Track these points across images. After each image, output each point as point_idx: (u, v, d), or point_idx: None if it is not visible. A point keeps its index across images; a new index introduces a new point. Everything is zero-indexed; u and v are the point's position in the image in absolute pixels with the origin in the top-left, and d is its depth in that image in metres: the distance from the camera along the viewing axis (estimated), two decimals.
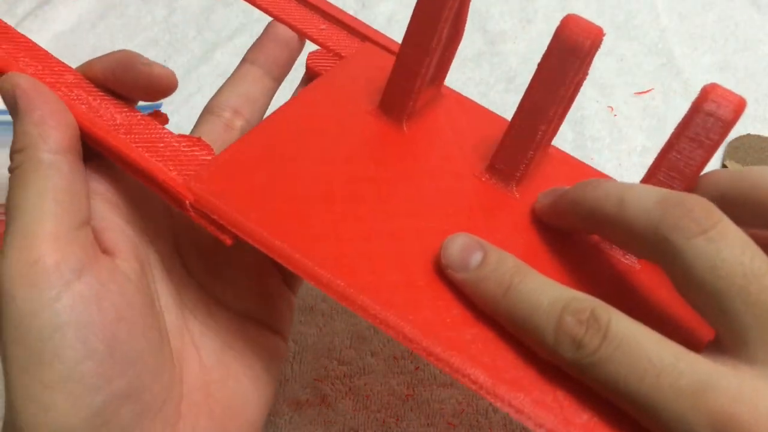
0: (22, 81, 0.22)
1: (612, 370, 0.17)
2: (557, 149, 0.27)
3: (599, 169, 0.27)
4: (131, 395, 0.20)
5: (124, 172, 0.24)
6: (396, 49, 0.26)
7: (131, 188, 0.24)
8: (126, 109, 0.24)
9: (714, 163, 0.43)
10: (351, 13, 0.50)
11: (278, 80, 0.30)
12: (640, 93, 0.47)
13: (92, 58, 0.25)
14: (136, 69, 0.23)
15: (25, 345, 0.19)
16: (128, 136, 0.23)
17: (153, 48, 0.51)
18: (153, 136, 0.24)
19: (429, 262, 0.22)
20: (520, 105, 0.23)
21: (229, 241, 0.22)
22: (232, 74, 0.29)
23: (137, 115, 0.24)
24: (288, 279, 0.29)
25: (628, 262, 0.23)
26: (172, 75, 0.24)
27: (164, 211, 0.26)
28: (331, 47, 0.30)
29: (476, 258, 0.21)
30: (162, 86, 0.24)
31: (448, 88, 0.28)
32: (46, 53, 0.25)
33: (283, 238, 0.21)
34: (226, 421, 0.23)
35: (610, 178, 0.25)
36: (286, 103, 0.26)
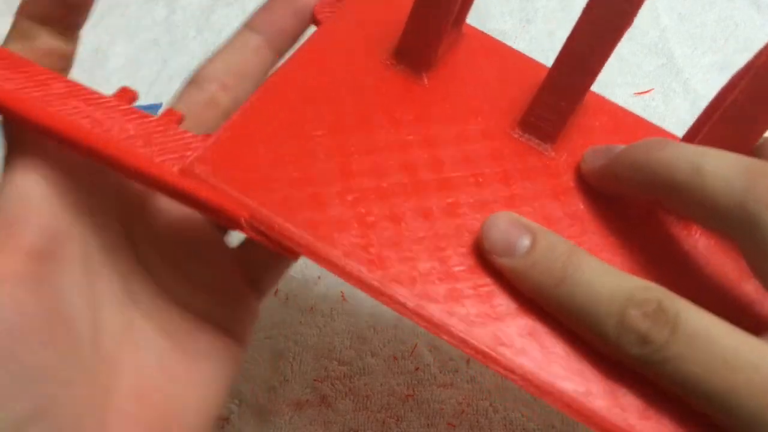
0: None
1: (682, 366, 0.16)
2: (597, 95, 0.24)
3: None
4: (38, 415, 0.17)
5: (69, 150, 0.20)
6: None
7: (74, 168, 0.21)
8: (135, 114, 0.21)
9: None
10: None
11: (280, 54, 0.27)
12: (640, 93, 0.47)
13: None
14: None
15: None
16: (149, 149, 0.20)
17: (153, 48, 0.51)
18: (178, 143, 0.20)
19: (466, 243, 0.20)
20: (561, 53, 0.21)
21: (296, 257, 0.20)
22: (229, 40, 0.26)
23: (150, 120, 0.21)
24: (257, 281, 0.26)
25: (684, 228, 0.21)
26: None
27: (115, 197, 0.23)
28: None
29: (523, 243, 0.19)
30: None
31: (469, 26, 0.25)
32: (27, 62, 0.21)
33: (307, 230, 0.19)
34: (161, 430, 0.21)
35: (668, 134, 0.23)
36: (286, 61, 0.23)
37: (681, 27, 0.50)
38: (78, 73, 0.56)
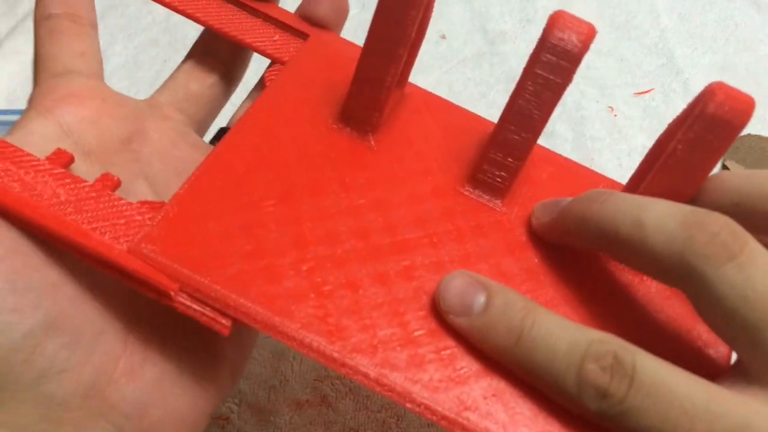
0: None
1: (642, 419, 0.16)
2: (543, 148, 0.24)
3: (599, 170, 0.27)
4: (53, 327, 0.18)
5: None
6: (343, 45, 0.24)
7: None
8: (68, 179, 0.20)
9: None
10: (351, 13, 0.50)
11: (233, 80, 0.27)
12: (640, 93, 0.47)
13: None
14: None
15: None
16: (79, 216, 0.19)
17: (153, 48, 0.51)
18: (110, 211, 0.19)
19: (425, 306, 0.20)
20: (505, 111, 0.21)
21: (227, 331, 0.19)
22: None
23: (84, 185, 0.20)
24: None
25: (636, 274, 0.21)
26: None
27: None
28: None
29: (479, 301, 0.19)
30: None
31: (412, 85, 0.25)
32: None
33: (263, 304, 0.19)
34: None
35: (611, 181, 0.24)
36: (232, 130, 0.22)
37: (681, 27, 0.50)
38: None
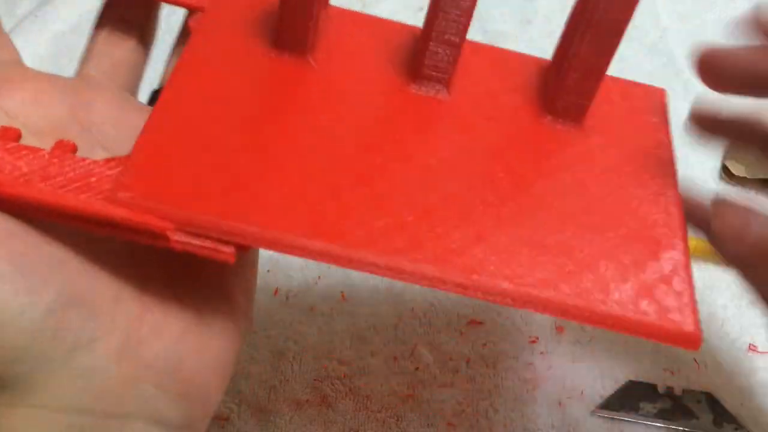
0: None
1: None
2: (473, 43, 0.26)
3: None
4: (69, 300, 0.18)
5: None
6: None
7: None
8: (24, 150, 0.19)
9: (713, 163, 0.43)
10: None
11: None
12: None
13: None
14: None
15: None
16: (48, 182, 0.19)
17: (153, 48, 0.51)
18: (78, 172, 0.19)
19: (406, 195, 0.20)
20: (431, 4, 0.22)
21: (232, 258, 0.19)
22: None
23: (42, 153, 0.19)
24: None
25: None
26: None
27: None
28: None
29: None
30: None
31: (334, 7, 0.26)
32: None
33: (260, 223, 0.19)
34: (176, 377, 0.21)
35: (543, 60, 0.26)
36: (174, 74, 0.22)
37: (681, 27, 0.50)
38: None
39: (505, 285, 0.19)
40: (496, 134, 0.23)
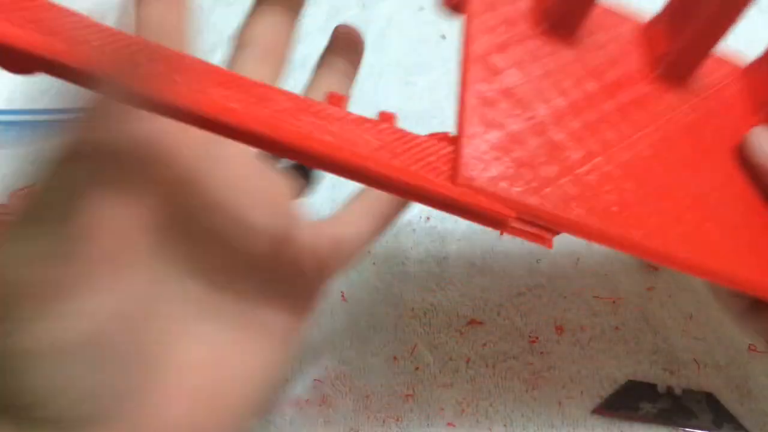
0: None
1: None
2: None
3: None
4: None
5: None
6: None
7: None
8: (367, 123, 0.21)
9: None
10: (351, 13, 0.50)
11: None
12: None
13: None
14: None
15: None
16: (398, 160, 0.20)
17: None
18: (417, 150, 0.20)
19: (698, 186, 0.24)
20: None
21: (551, 244, 0.21)
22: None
23: (382, 128, 0.21)
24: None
25: None
26: None
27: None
28: None
29: None
30: None
31: None
32: (228, 72, 0.21)
33: (586, 218, 0.21)
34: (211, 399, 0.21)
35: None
36: (470, 56, 0.24)
37: None
38: None
39: None
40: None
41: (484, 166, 0.21)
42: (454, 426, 0.33)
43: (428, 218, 0.40)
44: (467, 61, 0.23)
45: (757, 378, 0.33)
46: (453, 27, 0.50)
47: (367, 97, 0.44)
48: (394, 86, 0.46)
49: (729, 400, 0.33)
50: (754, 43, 0.51)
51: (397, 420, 0.33)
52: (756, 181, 0.25)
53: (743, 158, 0.26)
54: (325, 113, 0.20)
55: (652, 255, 0.22)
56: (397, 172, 0.19)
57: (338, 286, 0.38)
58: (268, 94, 0.20)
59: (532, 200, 0.21)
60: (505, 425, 0.33)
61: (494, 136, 0.22)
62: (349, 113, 0.21)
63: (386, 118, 0.21)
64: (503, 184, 0.21)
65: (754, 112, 0.28)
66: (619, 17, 0.27)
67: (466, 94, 0.22)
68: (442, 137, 0.21)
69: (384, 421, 0.33)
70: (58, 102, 0.49)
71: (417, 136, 0.21)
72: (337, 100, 0.22)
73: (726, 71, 0.28)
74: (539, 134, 0.22)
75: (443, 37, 0.49)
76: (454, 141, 0.21)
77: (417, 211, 0.40)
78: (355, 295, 0.37)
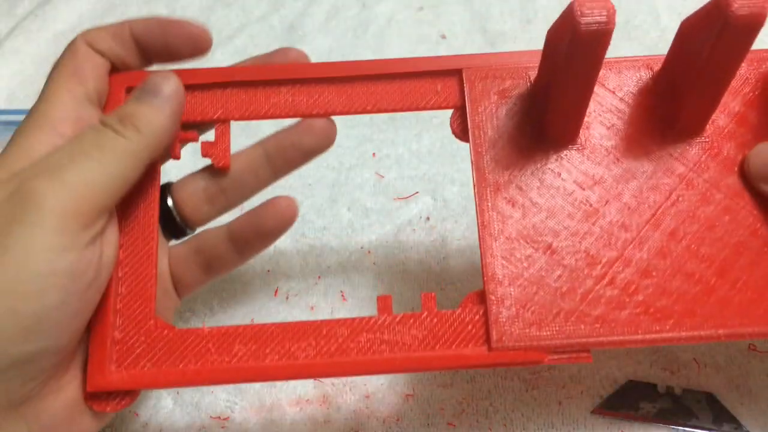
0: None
1: None
2: None
3: None
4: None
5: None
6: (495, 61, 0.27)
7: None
8: (411, 320, 0.25)
9: None
10: (351, 13, 0.50)
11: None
12: None
13: (127, 20, 0.26)
14: (174, 24, 0.26)
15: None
16: (441, 344, 0.24)
17: None
18: (451, 329, 0.25)
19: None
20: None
21: (590, 359, 0.24)
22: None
23: (421, 318, 0.25)
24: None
25: None
26: (208, 31, 0.26)
27: None
28: None
29: None
30: (200, 42, 0.26)
31: None
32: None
33: (602, 331, 0.24)
34: None
35: None
36: (480, 199, 0.26)
37: None
38: None
39: None
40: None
41: (512, 321, 0.24)
42: (454, 426, 0.33)
43: (428, 218, 0.40)
44: (483, 206, 0.26)
45: (757, 378, 0.33)
46: (453, 27, 0.50)
47: None
48: None
49: (729, 400, 0.33)
50: (753, 44, 0.51)
51: (397, 420, 0.33)
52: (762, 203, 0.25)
53: (750, 181, 0.26)
54: (377, 325, 0.25)
55: (685, 340, 0.24)
56: (439, 360, 0.24)
57: (338, 286, 0.38)
58: (329, 329, 0.25)
59: (560, 338, 0.24)
60: (505, 425, 0.33)
61: (517, 284, 0.24)
62: (395, 315, 0.25)
63: (427, 299, 0.25)
64: (532, 331, 0.24)
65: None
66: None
67: (485, 247, 0.25)
68: (474, 300, 0.25)
69: (384, 421, 0.33)
70: None
71: (452, 313, 0.24)
72: (385, 302, 0.25)
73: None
74: (557, 265, 0.25)
75: (443, 37, 0.49)
76: (482, 299, 0.25)
77: (417, 211, 0.40)
78: (355, 295, 0.37)
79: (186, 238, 0.30)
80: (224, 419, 0.34)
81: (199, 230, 0.31)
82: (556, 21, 0.23)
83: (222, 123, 0.28)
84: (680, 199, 0.25)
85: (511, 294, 0.24)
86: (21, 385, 0.21)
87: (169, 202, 0.29)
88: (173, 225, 0.29)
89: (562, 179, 0.26)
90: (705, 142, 0.26)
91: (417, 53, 0.49)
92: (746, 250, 0.25)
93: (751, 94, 0.27)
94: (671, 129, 0.26)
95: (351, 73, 0.27)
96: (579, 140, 0.26)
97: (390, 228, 0.40)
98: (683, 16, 0.25)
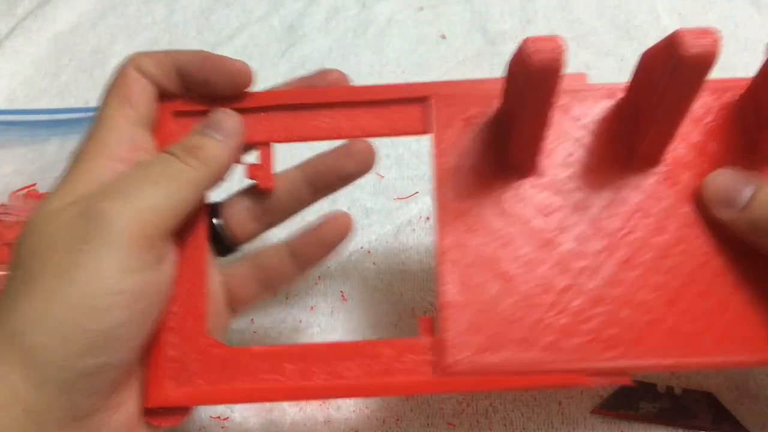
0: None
1: None
2: None
3: None
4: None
5: None
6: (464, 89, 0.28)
7: None
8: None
9: None
10: (351, 13, 0.50)
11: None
12: None
13: (172, 51, 0.27)
14: (216, 61, 0.26)
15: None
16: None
17: (153, 48, 0.51)
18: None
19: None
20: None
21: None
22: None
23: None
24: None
25: None
26: (249, 68, 0.27)
27: None
28: None
29: (745, 194, 0.23)
30: (240, 79, 0.27)
31: None
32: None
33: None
34: None
35: None
36: (439, 222, 0.26)
37: (681, 27, 0.50)
38: (78, 73, 0.56)
39: None
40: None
41: (464, 347, 0.24)
42: (454, 426, 0.33)
43: (428, 218, 0.40)
44: (442, 233, 0.26)
45: (757, 378, 0.33)
46: (453, 27, 0.50)
47: None
48: None
49: (729, 400, 0.33)
50: (753, 44, 0.51)
51: (397, 420, 0.33)
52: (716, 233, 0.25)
53: (705, 209, 0.25)
54: (419, 346, 0.25)
55: (632, 369, 0.24)
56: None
57: (338, 286, 0.38)
58: (375, 350, 0.25)
59: (510, 365, 0.24)
60: (504, 425, 0.33)
61: (472, 310, 0.25)
62: (436, 336, 0.25)
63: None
64: (484, 357, 0.24)
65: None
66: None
67: (442, 272, 0.25)
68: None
69: (384, 421, 0.33)
70: (58, 102, 0.50)
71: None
72: (427, 323, 0.25)
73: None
74: (511, 292, 0.25)
75: (443, 37, 0.49)
76: (435, 325, 0.25)
77: (417, 211, 0.40)
78: (355, 295, 0.37)
79: (234, 255, 0.31)
80: (224, 419, 0.34)
81: (246, 246, 0.32)
82: (514, 53, 0.24)
83: (265, 145, 0.28)
84: (635, 228, 0.25)
85: (465, 320, 0.25)
86: (85, 399, 0.22)
87: (216, 221, 0.30)
88: (221, 243, 0.30)
89: (520, 207, 0.26)
90: (662, 172, 0.26)
91: (417, 53, 0.49)
92: (697, 280, 0.25)
93: (712, 123, 0.27)
94: (630, 158, 0.26)
95: (364, 97, 0.28)
96: (539, 169, 0.26)
97: (390, 228, 0.40)
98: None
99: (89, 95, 0.48)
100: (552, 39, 0.21)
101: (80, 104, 0.47)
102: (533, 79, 0.22)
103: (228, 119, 0.27)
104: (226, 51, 0.51)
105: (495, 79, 0.27)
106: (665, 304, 0.24)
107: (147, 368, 0.25)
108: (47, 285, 0.22)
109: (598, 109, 0.27)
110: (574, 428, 0.33)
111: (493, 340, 0.24)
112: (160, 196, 0.24)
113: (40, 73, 0.49)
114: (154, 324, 0.25)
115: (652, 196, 0.26)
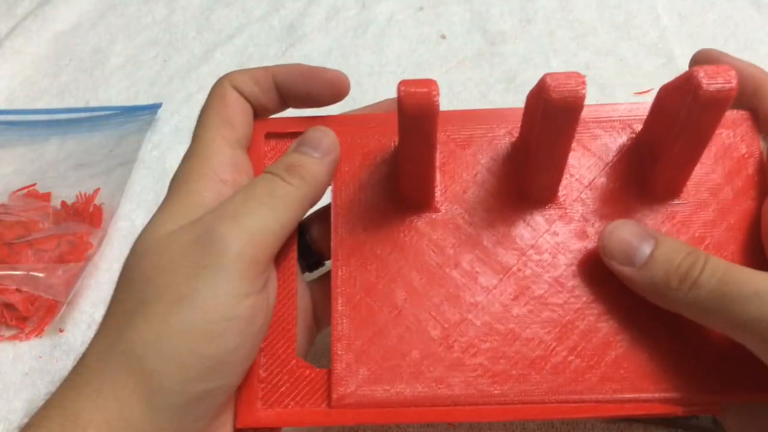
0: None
1: None
2: None
3: None
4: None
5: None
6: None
7: None
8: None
9: None
10: (351, 13, 0.50)
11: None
12: (640, 93, 0.47)
13: (268, 67, 0.27)
14: (314, 73, 0.26)
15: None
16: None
17: (153, 48, 0.51)
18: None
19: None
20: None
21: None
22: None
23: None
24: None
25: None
26: (345, 77, 0.27)
27: None
28: None
29: (643, 252, 0.23)
30: (339, 88, 0.27)
31: None
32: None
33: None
34: None
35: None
36: (333, 266, 0.26)
37: (681, 27, 0.50)
38: (78, 73, 0.56)
39: None
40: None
41: (352, 380, 0.25)
42: (454, 426, 0.33)
43: None
44: (336, 265, 0.26)
45: None
46: (453, 27, 0.50)
47: (367, 97, 0.44)
48: (394, 86, 0.46)
49: None
50: (753, 44, 0.51)
51: None
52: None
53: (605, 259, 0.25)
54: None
55: (518, 403, 0.24)
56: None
57: None
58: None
59: (398, 398, 0.24)
60: (505, 425, 0.33)
61: (362, 342, 0.25)
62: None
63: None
64: (372, 390, 0.24)
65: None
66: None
67: (335, 304, 0.26)
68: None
69: None
70: (58, 102, 0.49)
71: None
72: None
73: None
74: (401, 326, 0.25)
75: (443, 37, 0.49)
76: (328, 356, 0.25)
77: None
78: None
79: (319, 269, 0.31)
80: None
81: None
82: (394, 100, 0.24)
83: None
84: (528, 263, 0.25)
85: (353, 353, 0.25)
86: (193, 423, 0.22)
87: (307, 236, 0.30)
88: (308, 259, 0.30)
89: (414, 242, 0.26)
90: (557, 208, 0.26)
91: (417, 53, 0.49)
92: (586, 317, 0.24)
93: (613, 159, 0.26)
94: (524, 195, 0.26)
95: None
96: (434, 204, 0.26)
97: None
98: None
99: (89, 95, 0.48)
100: (422, 89, 0.23)
101: (80, 104, 0.48)
102: (409, 120, 0.23)
103: (324, 137, 0.27)
104: (226, 51, 0.51)
105: (392, 115, 0.26)
106: (554, 340, 0.24)
107: (239, 389, 0.25)
108: (165, 309, 0.21)
109: (495, 145, 0.27)
110: (574, 428, 0.33)
111: (382, 373, 0.24)
112: (269, 217, 0.24)
113: (40, 73, 0.49)
114: (259, 347, 0.25)
115: (545, 233, 0.26)
